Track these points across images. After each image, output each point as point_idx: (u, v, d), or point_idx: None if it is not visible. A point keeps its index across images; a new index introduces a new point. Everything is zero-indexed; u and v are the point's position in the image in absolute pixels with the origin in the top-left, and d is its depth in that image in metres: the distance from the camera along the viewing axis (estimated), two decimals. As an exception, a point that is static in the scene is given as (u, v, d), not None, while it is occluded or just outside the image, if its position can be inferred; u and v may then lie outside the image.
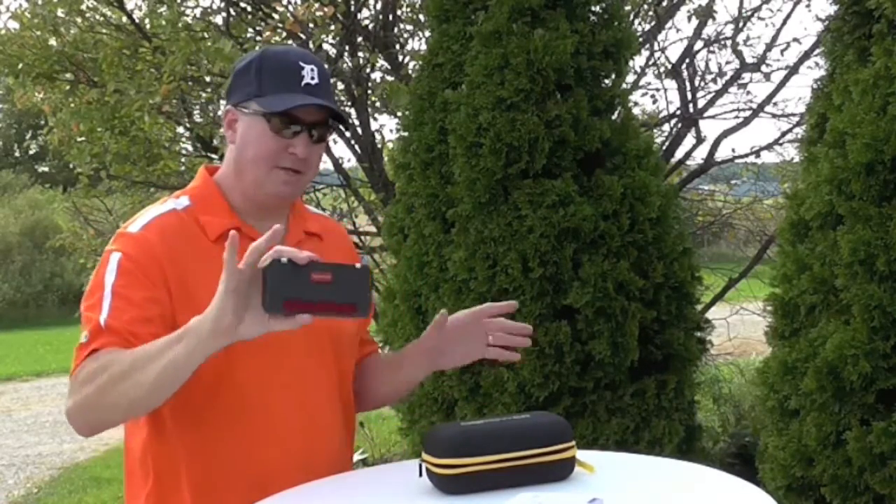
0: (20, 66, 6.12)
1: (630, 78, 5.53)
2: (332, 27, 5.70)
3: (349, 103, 6.18)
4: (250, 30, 6.37)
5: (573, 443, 1.64)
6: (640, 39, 5.99)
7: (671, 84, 6.91)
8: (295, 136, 1.77)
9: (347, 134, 6.16)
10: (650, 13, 6.58)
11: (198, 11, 6.32)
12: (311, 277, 1.51)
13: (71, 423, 1.72)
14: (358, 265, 1.56)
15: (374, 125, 6.71)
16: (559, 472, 1.62)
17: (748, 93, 8.13)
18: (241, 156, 1.80)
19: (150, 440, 1.80)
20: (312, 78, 1.78)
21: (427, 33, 5.40)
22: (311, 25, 5.56)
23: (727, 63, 6.83)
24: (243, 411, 1.75)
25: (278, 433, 1.78)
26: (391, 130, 11.26)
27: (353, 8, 5.88)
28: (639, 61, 6.47)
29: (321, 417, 1.83)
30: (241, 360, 1.72)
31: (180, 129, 6.86)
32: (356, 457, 2.02)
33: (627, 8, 5.99)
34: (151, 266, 1.72)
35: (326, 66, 5.78)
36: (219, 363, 1.66)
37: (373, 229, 6.11)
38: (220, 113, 6.61)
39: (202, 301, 1.67)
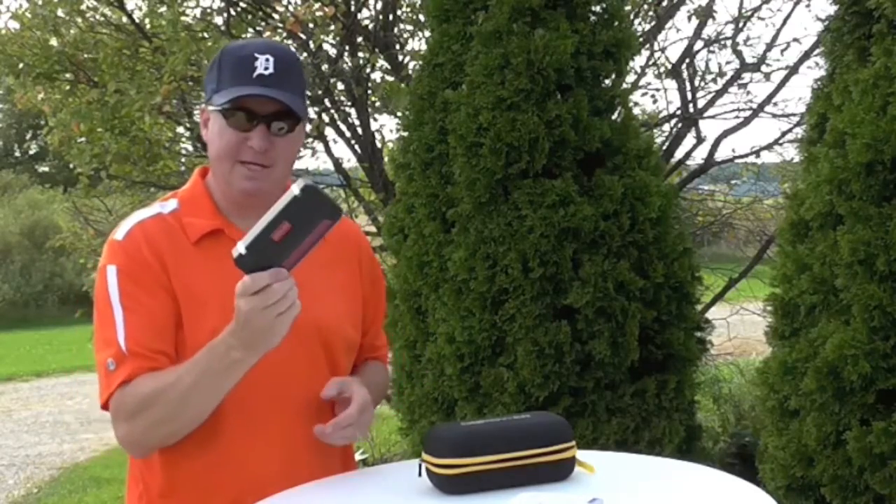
0: (20, 66, 6.12)
1: (630, 78, 5.54)
2: (332, 27, 5.70)
3: (349, 103, 6.19)
4: (250, 30, 6.37)
5: (573, 443, 1.64)
6: (640, 39, 5.99)
7: (671, 84, 6.91)
8: (252, 129, 1.74)
9: (347, 134, 6.17)
10: (650, 13, 6.58)
11: (198, 11, 6.32)
12: (273, 239, 1.51)
13: (126, 451, 1.78)
14: (296, 190, 1.50)
15: (374, 125, 6.72)
16: (559, 472, 1.62)
17: (748, 93, 8.12)
18: (210, 153, 1.80)
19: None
20: (266, 68, 1.72)
21: (427, 33, 5.40)
22: (311, 25, 5.56)
23: (727, 63, 6.83)
24: (222, 420, 1.73)
25: (259, 442, 1.76)
26: (391, 130, 11.25)
27: (353, 8, 5.88)
28: (639, 61, 6.48)
29: (309, 425, 1.79)
30: None
31: (180, 129, 6.87)
32: (356, 456, 2.01)
33: (627, 8, 5.99)
34: (143, 270, 1.73)
35: (326, 66, 5.73)
36: None
37: (373, 229, 6.11)
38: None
39: (183, 303, 1.71)
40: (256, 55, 1.73)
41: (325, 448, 1.83)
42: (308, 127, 1.89)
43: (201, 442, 1.74)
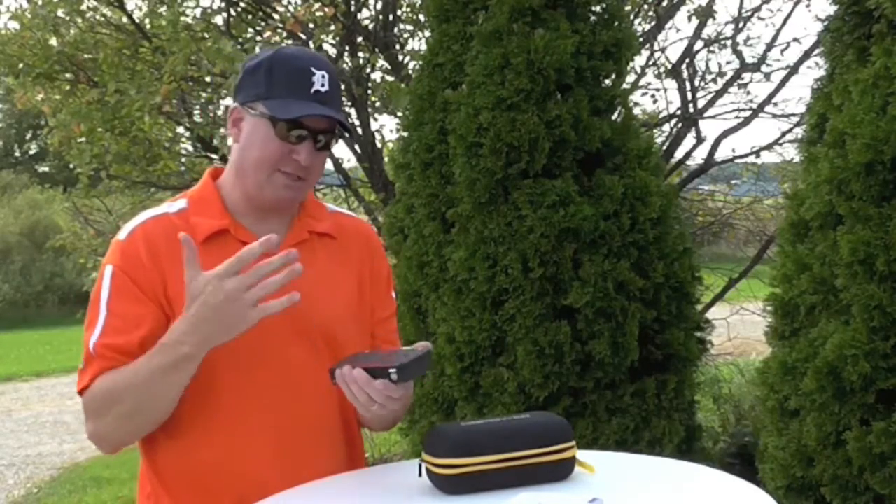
0: (20, 66, 6.13)
1: (630, 78, 5.54)
2: (332, 27, 5.71)
3: (349, 103, 6.19)
4: (250, 30, 6.38)
5: (573, 443, 1.64)
6: (640, 39, 5.99)
7: (671, 84, 6.92)
8: (299, 143, 1.74)
9: (347, 134, 6.16)
10: (650, 13, 6.58)
11: (198, 11, 6.32)
12: (375, 354, 1.71)
13: (96, 446, 1.80)
14: (420, 348, 1.67)
15: (374, 125, 6.73)
16: (559, 472, 1.62)
17: (748, 93, 8.16)
18: (244, 157, 1.79)
19: (146, 446, 1.82)
20: (323, 85, 1.75)
21: (427, 33, 5.41)
22: (311, 25, 5.56)
23: (727, 63, 6.84)
24: (225, 419, 1.73)
25: (261, 442, 1.75)
26: (391, 130, 11.27)
27: (353, 8, 5.88)
28: (639, 61, 6.49)
29: (311, 427, 1.79)
30: (223, 367, 1.71)
31: (180, 129, 6.87)
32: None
33: (627, 8, 5.99)
34: (139, 274, 1.74)
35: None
36: (200, 372, 1.68)
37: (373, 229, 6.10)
38: (220, 113, 6.62)
39: (178, 305, 1.69)
40: (314, 70, 1.75)
41: (328, 447, 1.83)
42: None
43: (204, 442, 1.75)
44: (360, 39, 6.19)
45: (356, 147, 6.16)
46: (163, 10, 5.79)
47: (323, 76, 1.75)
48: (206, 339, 1.61)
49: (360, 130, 6.14)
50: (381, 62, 6.17)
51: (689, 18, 6.55)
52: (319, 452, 1.81)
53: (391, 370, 1.59)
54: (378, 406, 1.62)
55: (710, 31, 6.73)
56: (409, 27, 6.60)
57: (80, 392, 1.73)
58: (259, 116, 1.75)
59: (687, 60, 6.61)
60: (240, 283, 1.57)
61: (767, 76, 6.63)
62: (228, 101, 5.78)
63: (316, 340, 1.78)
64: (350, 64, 6.17)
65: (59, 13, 6.13)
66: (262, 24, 6.24)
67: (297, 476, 1.74)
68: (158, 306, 1.73)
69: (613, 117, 3.57)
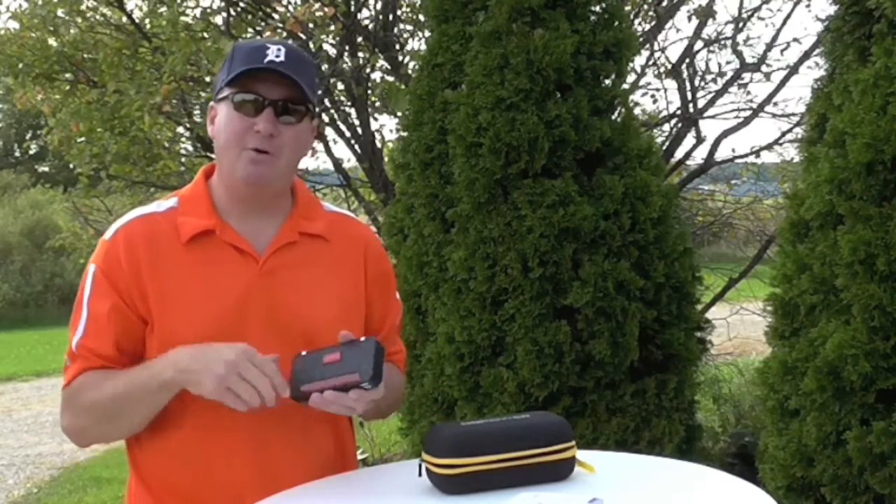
0: (20, 66, 6.12)
1: (630, 78, 5.54)
2: (332, 27, 5.71)
3: (349, 103, 6.19)
4: (250, 30, 6.38)
5: (573, 443, 1.64)
6: (640, 39, 5.99)
7: (671, 84, 6.92)
8: (258, 114, 1.72)
9: (347, 134, 6.17)
10: (650, 13, 6.59)
11: (198, 11, 6.32)
12: (324, 360, 1.65)
13: (68, 438, 1.85)
14: (363, 339, 1.66)
15: (374, 125, 6.73)
16: (559, 472, 1.62)
17: (748, 93, 8.16)
18: (217, 145, 1.79)
19: (131, 449, 1.83)
20: (277, 56, 1.73)
21: (427, 33, 5.40)
22: (311, 25, 5.56)
23: (727, 63, 6.85)
24: (203, 422, 1.72)
25: (235, 448, 1.74)
26: (391, 130, 11.26)
27: (353, 8, 5.88)
28: (639, 61, 6.49)
29: (288, 431, 1.77)
30: None
31: (180, 129, 6.87)
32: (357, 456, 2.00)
33: (627, 8, 6.00)
34: (118, 277, 1.75)
35: (326, 66, 5.72)
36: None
37: (373, 229, 6.10)
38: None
39: (159, 305, 1.72)
40: (268, 45, 1.75)
41: (307, 452, 1.80)
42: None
43: (184, 445, 1.74)
44: (360, 39, 6.19)
45: (356, 147, 6.16)
46: (162, 10, 5.79)
47: (279, 49, 1.74)
48: (188, 373, 1.64)
49: (359, 130, 6.14)
50: (381, 62, 6.17)
51: (689, 18, 6.56)
52: (297, 458, 1.78)
53: (364, 384, 1.61)
54: (363, 408, 1.65)
55: (710, 31, 6.74)
56: (409, 27, 6.60)
57: (64, 388, 1.78)
58: (223, 101, 1.76)
59: (687, 60, 6.61)
60: (245, 370, 1.60)
61: (767, 76, 6.64)
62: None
63: (297, 343, 1.75)
64: (350, 64, 6.17)
65: (59, 13, 6.13)
66: (262, 24, 6.23)
67: (272, 484, 1.71)
68: (132, 308, 1.74)
69: (613, 117, 3.57)
